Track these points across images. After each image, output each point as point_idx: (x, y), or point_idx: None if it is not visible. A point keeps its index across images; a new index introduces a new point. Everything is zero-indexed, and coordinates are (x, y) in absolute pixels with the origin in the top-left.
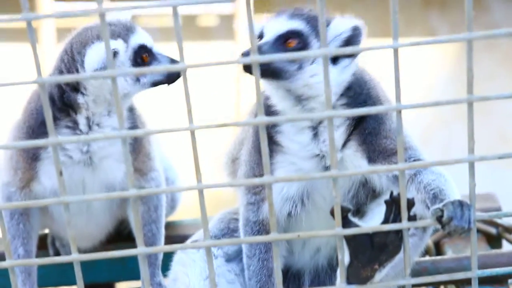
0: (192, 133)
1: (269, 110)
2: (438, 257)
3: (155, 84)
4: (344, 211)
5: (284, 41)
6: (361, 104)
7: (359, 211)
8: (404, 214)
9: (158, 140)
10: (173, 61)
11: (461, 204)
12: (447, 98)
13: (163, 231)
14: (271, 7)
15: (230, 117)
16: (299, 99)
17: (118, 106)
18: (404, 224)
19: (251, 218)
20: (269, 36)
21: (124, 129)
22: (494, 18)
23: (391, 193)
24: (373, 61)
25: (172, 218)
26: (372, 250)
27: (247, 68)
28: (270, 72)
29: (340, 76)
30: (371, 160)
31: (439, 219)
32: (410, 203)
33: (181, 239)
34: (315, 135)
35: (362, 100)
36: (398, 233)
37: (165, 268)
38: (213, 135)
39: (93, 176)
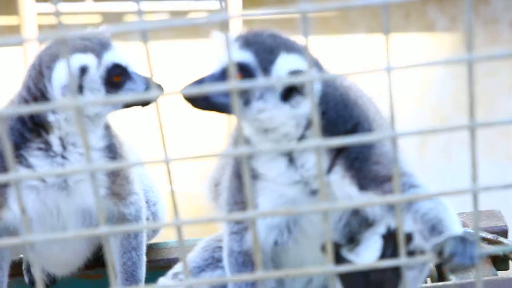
0: (167, 166)
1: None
2: (440, 284)
3: (128, 106)
4: (336, 247)
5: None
6: (343, 129)
7: (353, 240)
8: (402, 249)
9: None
10: (149, 82)
11: (463, 239)
12: (447, 95)
13: (144, 258)
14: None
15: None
16: (259, 131)
17: (83, 136)
18: (402, 260)
19: (234, 249)
20: (216, 67)
21: (92, 161)
22: (494, 11)
23: (388, 228)
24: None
25: (156, 240)
26: None
27: (190, 100)
28: (212, 106)
29: (294, 112)
30: (362, 187)
31: (439, 254)
32: (409, 238)
33: (165, 263)
34: (291, 161)
35: (344, 124)
36: (396, 270)
37: None
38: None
39: (68, 200)
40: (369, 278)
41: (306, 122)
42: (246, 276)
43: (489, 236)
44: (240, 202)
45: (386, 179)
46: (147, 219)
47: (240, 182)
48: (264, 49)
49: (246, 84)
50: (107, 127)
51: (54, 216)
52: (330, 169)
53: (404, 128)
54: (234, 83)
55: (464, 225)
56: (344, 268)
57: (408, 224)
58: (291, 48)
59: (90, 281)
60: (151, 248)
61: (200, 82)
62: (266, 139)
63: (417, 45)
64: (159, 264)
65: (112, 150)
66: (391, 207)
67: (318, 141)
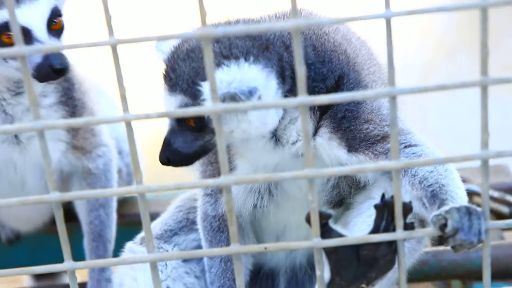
0: (128, 124)
1: None
2: (441, 248)
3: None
4: (324, 218)
5: (183, 120)
6: (325, 86)
7: (342, 203)
8: (399, 222)
9: (109, 103)
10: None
11: (469, 211)
12: (451, 27)
13: (114, 217)
14: None
15: None
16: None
17: (29, 89)
18: (398, 234)
19: (209, 212)
20: (170, 120)
21: (40, 119)
22: None
23: (383, 196)
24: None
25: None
26: (359, 265)
27: (171, 164)
28: (192, 158)
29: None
30: (351, 149)
31: (441, 228)
32: (407, 209)
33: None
34: (276, 141)
35: (324, 81)
36: (391, 245)
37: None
38: None
39: (23, 156)
40: (361, 254)
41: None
42: (219, 250)
43: (495, 194)
44: (215, 162)
45: (378, 139)
46: (120, 171)
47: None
48: (191, 81)
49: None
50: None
51: (11, 170)
52: (315, 132)
53: (407, 61)
54: (216, 106)
55: (467, 180)
56: (331, 242)
57: (404, 190)
58: (222, 62)
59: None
60: (125, 201)
61: (168, 144)
62: (246, 140)
63: None
64: (134, 220)
65: (68, 102)
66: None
67: (302, 98)
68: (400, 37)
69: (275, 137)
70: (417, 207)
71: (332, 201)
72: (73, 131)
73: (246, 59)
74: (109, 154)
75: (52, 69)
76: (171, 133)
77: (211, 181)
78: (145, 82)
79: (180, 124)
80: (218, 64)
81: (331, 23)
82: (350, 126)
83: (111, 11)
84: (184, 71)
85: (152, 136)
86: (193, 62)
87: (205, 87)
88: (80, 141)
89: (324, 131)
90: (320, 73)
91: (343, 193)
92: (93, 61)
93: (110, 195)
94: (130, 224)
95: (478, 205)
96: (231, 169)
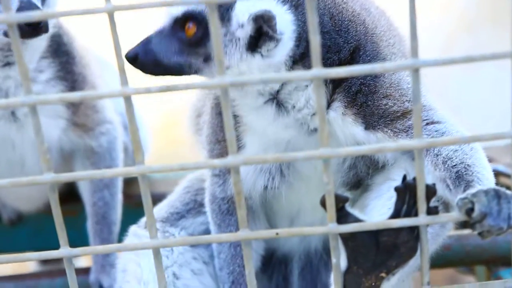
0: (127, 99)
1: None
2: (465, 232)
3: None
4: (340, 201)
5: (181, 26)
6: (338, 58)
7: (360, 184)
8: (421, 206)
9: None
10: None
11: (497, 194)
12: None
13: (119, 198)
14: None
15: None
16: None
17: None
18: (421, 219)
19: (217, 194)
20: (163, 21)
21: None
22: None
23: (404, 178)
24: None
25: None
26: (378, 253)
27: (139, 66)
28: (165, 70)
29: (267, 62)
30: (368, 126)
31: (468, 213)
32: (431, 192)
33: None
34: (279, 106)
35: (339, 52)
36: (413, 230)
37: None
38: None
39: (21, 134)
40: (380, 240)
41: (286, 66)
42: (227, 236)
43: None
44: (222, 140)
45: (397, 115)
46: (126, 148)
47: (221, 119)
48: None
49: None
50: (56, 50)
51: (9, 148)
52: (328, 105)
53: (428, 36)
54: None
55: (493, 160)
56: (348, 227)
57: (426, 171)
58: None
59: (62, 217)
60: (132, 181)
61: (147, 41)
62: (243, 93)
63: None
64: (140, 200)
65: (67, 76)
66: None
67: (316, 70)
68: (421, 12)
69: (277, 100)
70: (440, 189)
71: (349, 183)
72: (73, 107)
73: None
74: (113, 132)
75: (28, 25)
76: (158, 33)
77: (218, 161)
78: None
79: (174, 29)
80: None
81: None
82: (367, 101)
83: None
84: None
85: (163, 115)
86: None
87: (240, 3)
88: (81, 118)
89: (337, 105)
90: (336, 43)
91: (361, 174)
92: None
93: (110, 176)
94: (137, 205)
95: (506, 187)
96: (240, 148)
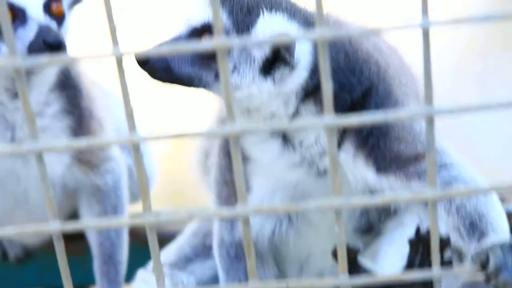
0: (135, 146)
1: None
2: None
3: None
4: (351, 253)
5: (197, 37)
6: (351, 97)
7: (372, 229)
8: (435, 258)
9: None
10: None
11: None
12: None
13: (125, 238)
14: None
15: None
16: (240, 110)
17: (25, 103)
18: (435, 272)
19: (225, 239)
20: (182, 30)
21: (32, 140)
22: None
23: (417, 229)
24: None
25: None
26: None
27: (148, 71)
28: (175, 78)
29: (278, 88)
30: (380, 169)
31: (483, 265)
32: (445, 244)
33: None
34: (285, 140)
35: (351, 92)
36: (427, 284)
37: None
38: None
39: (25, 168)
40: None
41: (297, 97)
42: (236, 287)
43: None
44: (230, 182)
45: (410, 159)
46: (132, 172)
47: (229, 160)
48: (241, 6)
49: (235, 41)
50: (64, 85)
51: (14, 182)
52: (338, 146)
53: (437, 60)
54: (220, 40)
55: (505, 199)
56: (360, 280)
57: (439, 218)
58: (276, 6)
59: (69, 256)
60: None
61: (162, 46)
62: (250, 119)
63: None
64: (145, 239)
65: (73, 110)
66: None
67: (328, 118)
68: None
69: (284, 134)
70: (453, 237)
71: (361, 228)
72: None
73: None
74: (118, 169)
75: (46, 45)
76: (174, 40)
77: (227, 211)
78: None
79: (191, 39)
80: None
81: (362, 35)
82: (379, 143)
83: (116, 20)
84: (246, 0)
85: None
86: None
87: (262, 20)
88: (86, 154)
89: (348, 147)
90: (349, 82)
91: (372, 219)
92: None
93: (116, 226)
94: (144, 243)
95: None
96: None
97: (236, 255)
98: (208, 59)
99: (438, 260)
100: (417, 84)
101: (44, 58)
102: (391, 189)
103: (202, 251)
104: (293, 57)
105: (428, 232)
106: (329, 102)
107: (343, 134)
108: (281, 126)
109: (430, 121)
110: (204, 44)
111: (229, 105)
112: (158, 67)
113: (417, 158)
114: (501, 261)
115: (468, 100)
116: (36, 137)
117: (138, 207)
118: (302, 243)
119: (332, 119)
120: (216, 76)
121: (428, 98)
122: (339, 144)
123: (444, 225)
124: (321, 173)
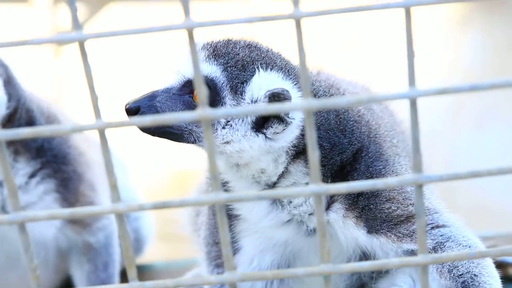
0: (119, 216)
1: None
2: None
3: None
4: None
5: (190, 90)
6: (341, 159)
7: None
8: None
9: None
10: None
11: None
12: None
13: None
14: None
15: None
16: (229, 164)
17: (6, 176)
18: None
19: None
20: (175, 80)
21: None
22: None
23: None
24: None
25: (140, 260)
26: None
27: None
28: (164, 134)
29: (270, 145)
30: (371, 230)
31: None
32: None
33: None
34: (274, 200)
35: (342, 153)
36: None
37: None
38: None
39: (13, 229)
40: None
41: (288, 155)
42: None
43: None
44: (220, 242)
45: (401, 219)
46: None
47: None
48: (236, 62)
49: (220, 112)
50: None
51: (5, 243)
52: (328, 206)
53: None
54: (205, 112)
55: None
56: None
57: (431, 278)
58: (272, 63)
59: None
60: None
61: (151, 97)
62: (239, 175)
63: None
64: None
65: (56, 179)
66: (408, 253)
67: (315, 187)
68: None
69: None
70: None
71: (353, 287)
72: (68, 204)
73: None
74: (110, 226)
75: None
76: (165, 91)
77: (214, 278)
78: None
79: (183, 90)
80: (266, 67)
81: (350, 104)
82: (369, 204)
83: (98, 91)
84: (240, 52)
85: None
86: (253, 49)
87: (257, 78)
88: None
89: (338, 207)
90: (340, 142)
91: (364, 279)
92: None
93: None
94: None
95: None
96: (236, 250)
97: None
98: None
99: None
100: (408, 142)
101: (25, 131)
102: (383, 249)
103: None
104: (288, 114)
105: None
106: (316, 170)
107: (333, 195)
108: (267, 194)
109: (419, 188)
110: (189, 115)
111: (214, 174)
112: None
113: (408, 218)
114: None
115: (467, 138)
116: (18, 209)
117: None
118: None
119: (319, 187)
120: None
121: (417, 165)
122: (329, 204)
123: (436, 284)
124: (311, 232)
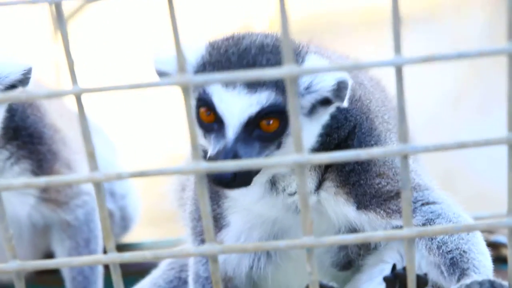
0: (97, 185)
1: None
2: None
3: None
4: None
5: (257, 124)
6: (338, 136)
7: (351, 265)
8: None
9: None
10: None
11: (493, 286)
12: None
13: (99, 270)
14: None
15: None
16: None
17: None
18: None
19: (201, 273)
20: (231, 123)
21: None
22: None
23: (393, 267)
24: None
25: (127, 238)
26: None
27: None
28: (251, 178)
29: (316, 127)
30: (360, 206)
31: None
32: (422, 282)
33: (138, 269)
34: (273, 184)
35: (339, 130)
36: None
37: None
38: None
39: None
40: None
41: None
42: None
43: None
44: None
45: (391, 195)
46: (112, 214)
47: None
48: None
49: (201, 78)
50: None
51: None
52: (319, 185)
53: (440, 86)
54: (184, 78)
55: (495, 231)
56: None
57: (420, 255)
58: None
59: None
60: (120, 249)
61: (233, 154)
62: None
63: None
64: (129, 270)
65: (31, 160)
66: (397, 229)
67: (298, 157)
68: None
69: (271, 180)
70: (434, 275)
71: (339, 263)
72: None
73: None
74: (91, 203)
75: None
76: (237, 142)
77: (194, 250)
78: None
79: (248, 130)
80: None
81: (332, 70)
82: (360, 180)
83: (74, 55)
84: (269, 62)
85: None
86: (272, 54)
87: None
88: (52, 193)
89: (329, 185)
90: (337, 119)
91: (352, 255)
92: None
93: (78, 265)
94: (125, 275)
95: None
96: (224, 226)
97: None
98: (276, 138)
99: None
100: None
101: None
102: (372, 225)
103: (177, 285)
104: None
105: (404, 270)
106: (299, 139)
107: (324, 173)
108: (246, 164)
109: (404, 159)
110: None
111: (194, 144)
112: (244, 177)
113: (398, 194)
114: None
115: (469, 124)
116: None
117: (128, 237)
118: (281, 278)
119: (301, 157)
120: (277, 147)
121: (402, 136)
122: (320, 183)
123: (424, 261)
124: (299, 211)
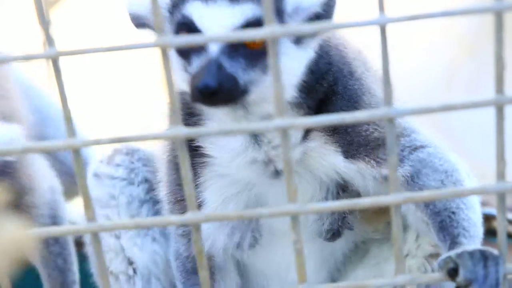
0: (76, 152)
1: (189, 111)
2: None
3: None
4: None
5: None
6: (325, 95)
7: (339, 235)
8: (399, 264)
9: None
10: None
11: (484, 255)
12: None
13: (73, 260)
14: None
15: None
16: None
17: None
18: (399, 279)
19: (182, 252)
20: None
21: None
22: None
23: None
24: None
25: None
26: None
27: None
28: (234, 98)
29: (303, 57)
30: (348, 155)
31: (451, 273)
32: None
33: None
34: (255, 137)
35: (326, 89)
36: None
37: None
38: None
39: None
40: None
41: (300, 79)
42: None
43: None
44: (182, 200)
45: (379, 143)
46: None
47: (180, 175)
48: None
49: (178, 40)
50: None
51: None
52: (307, 135)
53: (430, 59)
54: (164, 39)
55: (487, 203)
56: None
57: (406, 207)
58: None
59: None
60: None
61: (218, 66)
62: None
63: None
64: None
65: None
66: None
67: (281, 121)
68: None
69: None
70: (422, 230)
71: (335, 224)
72: None
73: None
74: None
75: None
76: (222, 54)
77: (176, 218)
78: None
79: (232, 46)
80: None
81: (313, 30)
82: (347, 128)
83: (49, 17)
84: None
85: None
86: None
87: None
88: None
89: (317, 134)
90: (321, 65)
91: (346, 213)
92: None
93: (56, 235)
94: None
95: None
96: (198, 206)
97: (192, 268)
98: (262, 56)
99: (403, 267)
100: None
101: None
102: (361, 174)
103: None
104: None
105: None
106: (281, 103)
107: None
108: (230, 129)
109: (390, 123)
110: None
111: (174, 108)
112: (230, 91)
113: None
114: (471, 273)
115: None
116: None
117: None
118: (271, 255)
119: (284, 121)
120: (263, 73)
121: (388, 98)
122: (308, 132)
123: (412, 217)
124: (277, 174)
